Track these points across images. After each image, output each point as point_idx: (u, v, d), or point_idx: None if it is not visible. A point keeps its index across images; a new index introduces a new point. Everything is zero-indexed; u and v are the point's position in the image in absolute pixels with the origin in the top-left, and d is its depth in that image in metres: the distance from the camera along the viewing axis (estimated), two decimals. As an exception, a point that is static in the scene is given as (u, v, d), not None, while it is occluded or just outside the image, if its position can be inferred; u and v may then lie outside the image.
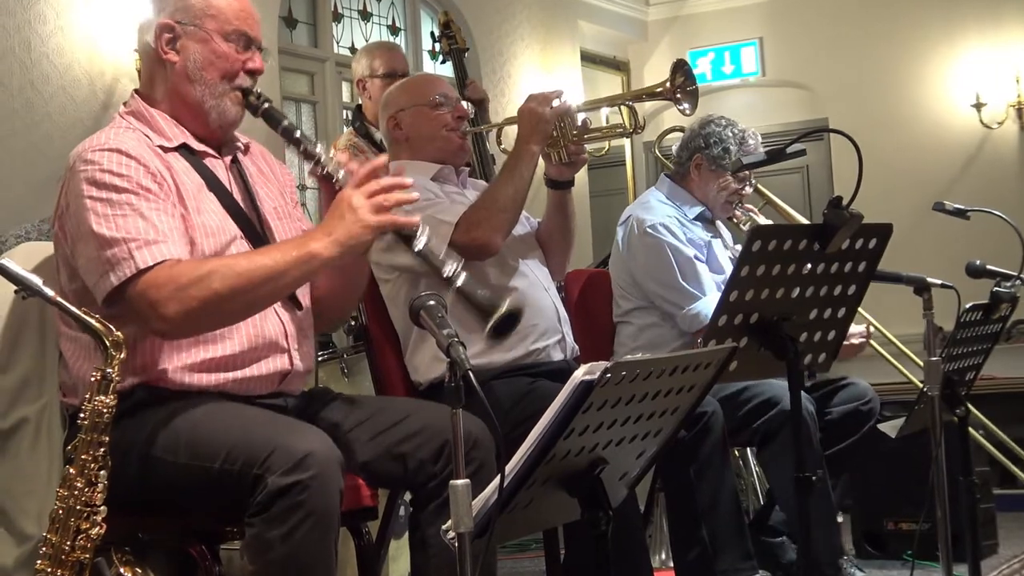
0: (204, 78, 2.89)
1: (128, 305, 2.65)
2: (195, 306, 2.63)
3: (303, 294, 3.00)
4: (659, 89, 3.85)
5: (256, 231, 2.92)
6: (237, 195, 2.94)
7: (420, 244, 2.71)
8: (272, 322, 2.88)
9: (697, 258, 4.32)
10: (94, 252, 2.69)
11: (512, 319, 2.54)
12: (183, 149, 2.89)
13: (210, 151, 2.95)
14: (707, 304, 4.21)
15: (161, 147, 2.85)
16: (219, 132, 2.96)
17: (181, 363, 2.77)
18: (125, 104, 2.99)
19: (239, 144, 3.05)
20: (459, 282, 2.67)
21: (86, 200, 2.70)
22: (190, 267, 2.67)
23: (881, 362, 5.81)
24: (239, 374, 2.82)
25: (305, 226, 3.06)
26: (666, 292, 4.30)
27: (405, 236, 2.74)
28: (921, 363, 3.61)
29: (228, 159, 2.99)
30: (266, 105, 2.91)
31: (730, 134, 4.49)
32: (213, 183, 2.90)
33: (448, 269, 2.64)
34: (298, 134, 2.87)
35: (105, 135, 2.82)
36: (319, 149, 2.84)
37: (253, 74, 2.94)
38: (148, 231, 2.68)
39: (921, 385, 3.62)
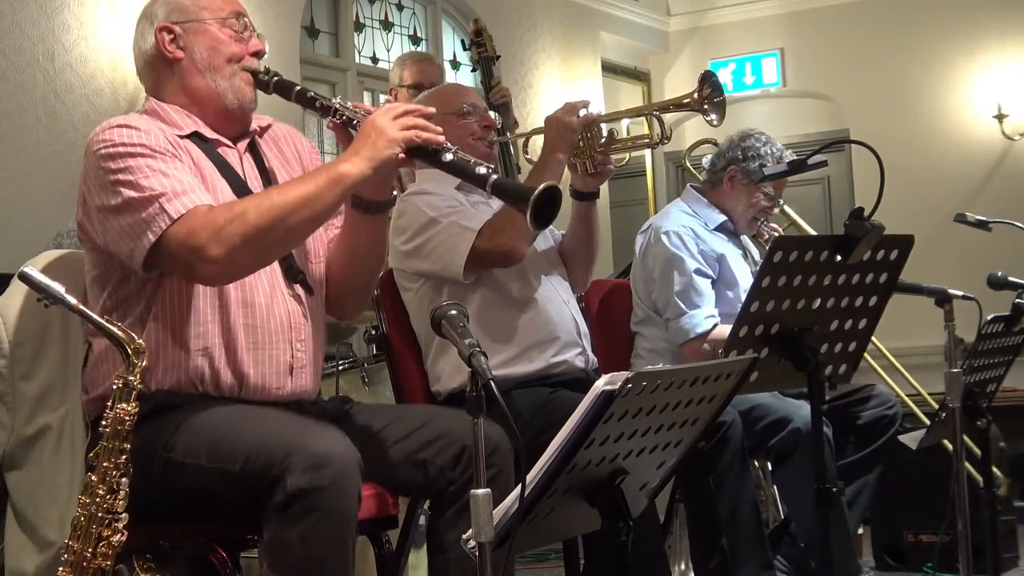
0: (213, 65, 2.94)
1: (170, 259, 2.68)
2: (237, 243, 2.65)
3: (316, 281, 3.01)
4: (686, 100, 3.83)
5: None
6: (251, 181, 2.96)
7: (449, 155, 2.72)
8: (280, 310, 2.88)
9: (701, 271, 4.29)
10: (126, 219, 2.70)
11: (550, 199, 2.53)
12: (195, 137, 2.92)
13: (223, 140, 2.98)
14: (693, 319, 4.22)
15: (175, 136, 2.88)
16: (239, 114, 2.99)
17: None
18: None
19: (255, 128, 3.07)
20: (493, 178, 2.67)
21: (106, 176, 2.73)
22: (224, 209, 2.71)
23: (900, 374, 5.78)
24: (251, 371, 2.82)
25: None
26: (661, 302, 4.30)
27: (432, 151, 2.74)
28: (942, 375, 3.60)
29: (242, 146, 3.02)
30: (275, 78, 2.96)
31: (769, 151, 4.47)
32: (225, 169, 2.92)
33: (481, 170, 2.65)
34: (311, 94, 2.91)
35: (116, 118, 2.86)
36: (335, 101, 2.87)
37: (257, 55, 2.99)
38: (174, 184, 2.71)
39: (941, 397, 3.61)
